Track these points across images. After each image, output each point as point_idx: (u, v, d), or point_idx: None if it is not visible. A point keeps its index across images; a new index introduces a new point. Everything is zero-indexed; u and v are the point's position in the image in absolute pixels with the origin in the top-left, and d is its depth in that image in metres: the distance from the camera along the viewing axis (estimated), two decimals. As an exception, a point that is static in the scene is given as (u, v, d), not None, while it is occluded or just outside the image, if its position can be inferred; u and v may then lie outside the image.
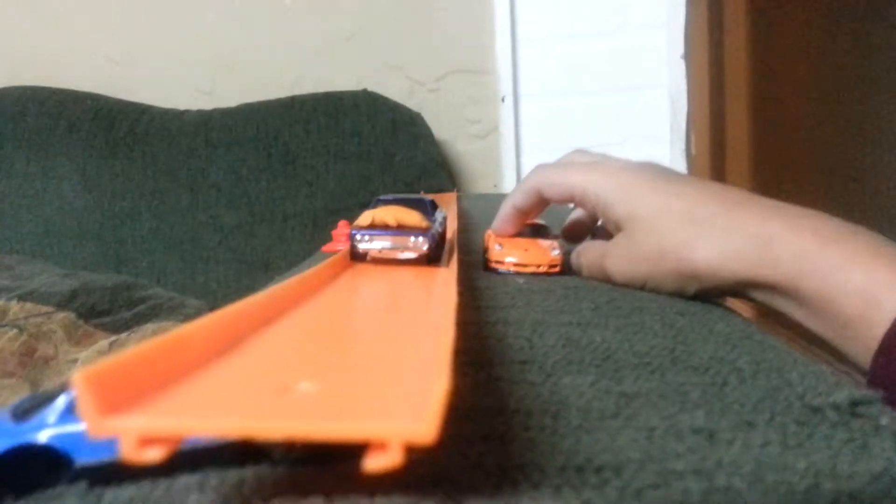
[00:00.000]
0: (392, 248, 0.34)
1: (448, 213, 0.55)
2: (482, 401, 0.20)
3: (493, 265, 0.39)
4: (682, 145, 1.06)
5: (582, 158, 0.43)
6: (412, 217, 0.34)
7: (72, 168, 1.05)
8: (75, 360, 0.82)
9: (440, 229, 0.37)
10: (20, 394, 0.79)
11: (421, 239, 0.34)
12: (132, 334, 0.80)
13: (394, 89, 1.13)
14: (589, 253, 0.39)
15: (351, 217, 1.03)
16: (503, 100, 1.10)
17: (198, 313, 0.88)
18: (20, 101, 1.13)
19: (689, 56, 0.98)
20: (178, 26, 1.22)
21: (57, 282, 0.93)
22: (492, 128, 1.14)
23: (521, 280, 0.37)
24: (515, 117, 1.11)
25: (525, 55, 1.09)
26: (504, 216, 0.42)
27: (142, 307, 0.89)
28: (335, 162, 0.99)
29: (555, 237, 0.41)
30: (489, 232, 0.42)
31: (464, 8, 1.12)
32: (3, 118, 1.11)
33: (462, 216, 0.64)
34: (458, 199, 0.85)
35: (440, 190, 1.00)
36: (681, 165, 1.06)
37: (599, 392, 0.20)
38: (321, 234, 0.97)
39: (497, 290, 0.35)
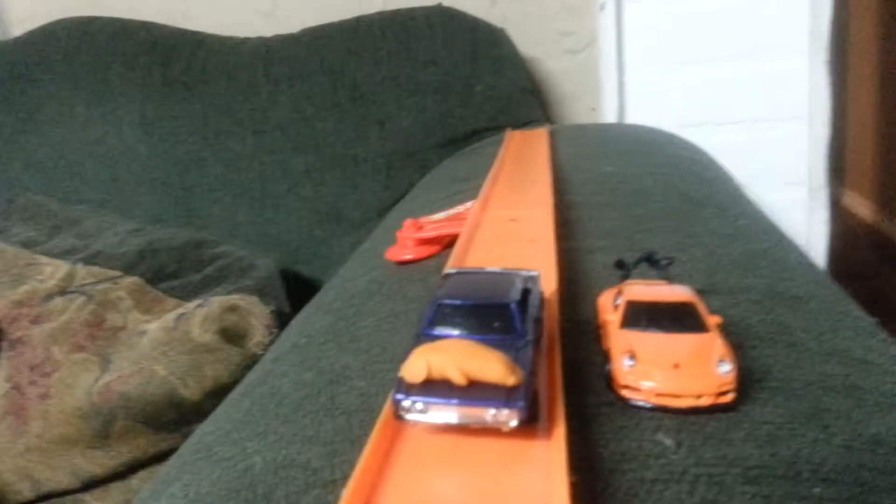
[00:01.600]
0: (460, 423, 0.22)
1: (537, 189, 0.43)
2: None
3: (623, 392, 0.26)
4: (823, 55, 0.87)
5: None
6: (490, 364, 0.22)
7: (131, 110, 0.98)
8: (143, 333, 0.77)
9: (532, 354, 0.24)
10: (91, 370, 0.76)
11: (506, 411, 0.22)
12: (199, 308, 0.74)
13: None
14: None
15: (428, 166, 0.90)
16: (602, 7, 0.93)
17: (267, 278, 0.81)
18: (74, 34, 1.05)
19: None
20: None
21: (123, 240, 0.88)
22: (589, 40, 0.98)
23: (668, 441, 0.24)
24: (618, 26, 0.94)
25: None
26: None
27: (210, 269, 0.83)
28: (408, 96, 0.86)
29: (715, 323, 0.27)
30: (608, 314, 0.29)
31: None
32: (59, 55, 1.04)
33: (562, 201, 0.51)
34: (551, 136, 0.72)
35: (528, 123, 0.87)
36: (821, 76, 0.88)
37: None
38: (395, 180, 0.87)
39: (631, 462, 0.23)
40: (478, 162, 0.73)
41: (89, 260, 0.85)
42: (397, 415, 0.23)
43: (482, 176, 0.59)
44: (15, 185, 1.04)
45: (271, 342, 0.74)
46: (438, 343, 0.24)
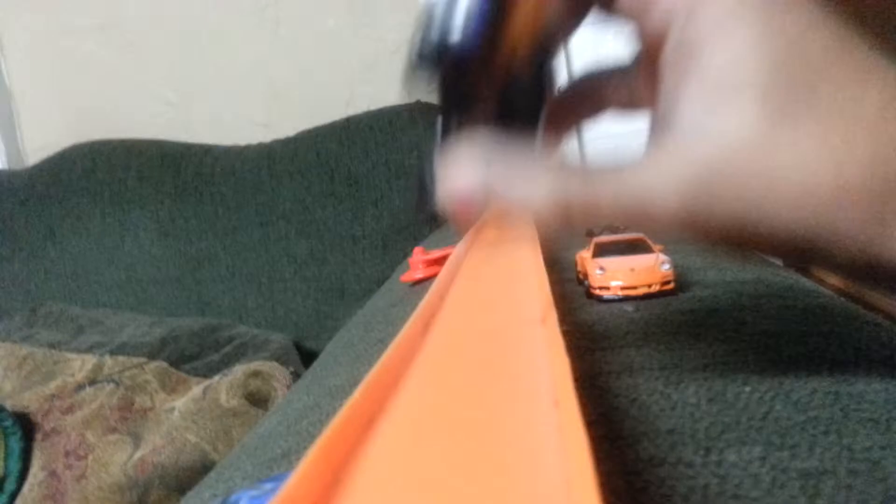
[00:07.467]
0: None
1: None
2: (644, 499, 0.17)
3: (597, 292, 0.36)
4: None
5: None
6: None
7: (146, 216, 1.07)
8: (172, 409, 0.83)
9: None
10: (124, 448, 0.81)
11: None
12: (223, 377, 0.81)
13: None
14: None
15: (421, 238, 0.99)
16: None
17: (282, 348, 0.88)
18: (88, 156, 1.16)
19: None
20: (229, 62, 1.23)
21: (145, 332, 0.95)
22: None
23: (629, 308, 0.33)
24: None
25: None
26: None
27: (228, 348, 0.90)
28: (397, 178, 0.97)
29: (658, 249, 0.38)
30: (583, 255, 0.39)
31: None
32: (75, 175, 1.14)
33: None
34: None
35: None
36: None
37: (777, 472, 0.17)
38: (392, 254, 0.96)
39: (606, 324, 0.32)
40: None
41: (115, 352, 0.91)
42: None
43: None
44: (36, 297, 1.12)
45: (293, 402, 0.80)
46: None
